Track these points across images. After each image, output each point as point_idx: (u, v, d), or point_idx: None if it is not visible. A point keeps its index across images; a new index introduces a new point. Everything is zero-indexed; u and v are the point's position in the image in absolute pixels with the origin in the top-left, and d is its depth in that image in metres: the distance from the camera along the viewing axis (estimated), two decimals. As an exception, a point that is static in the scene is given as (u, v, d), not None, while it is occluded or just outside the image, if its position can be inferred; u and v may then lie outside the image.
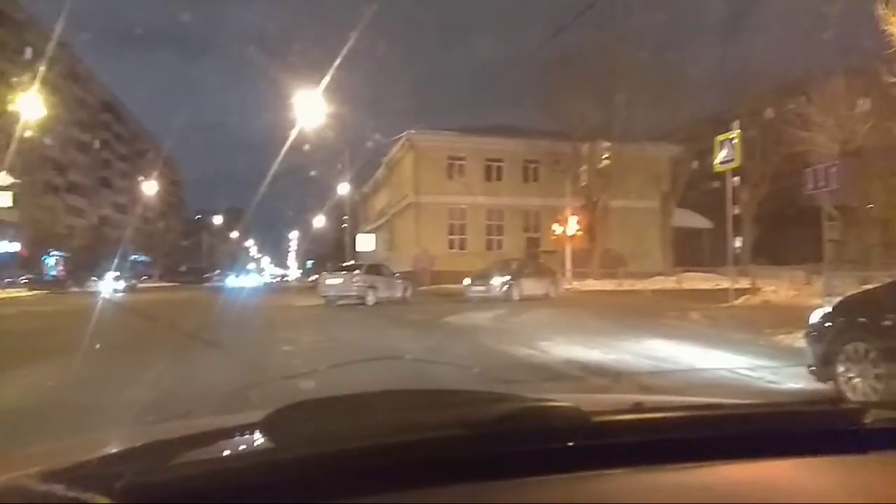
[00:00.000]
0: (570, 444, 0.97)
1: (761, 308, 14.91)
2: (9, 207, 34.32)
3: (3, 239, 46.56)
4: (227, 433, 1.15)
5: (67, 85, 60.32)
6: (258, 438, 1.00)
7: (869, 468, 1.03)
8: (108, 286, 34.34)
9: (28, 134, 35.52)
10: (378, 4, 24.40)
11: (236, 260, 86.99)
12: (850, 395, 4.90)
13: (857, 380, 5.03)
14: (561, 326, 11.80)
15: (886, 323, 5.02)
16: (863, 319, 5.25)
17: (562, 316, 14.56)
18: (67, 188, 64.91)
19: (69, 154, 64.88)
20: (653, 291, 23.34)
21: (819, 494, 0.94)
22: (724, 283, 18.49)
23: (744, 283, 19.11)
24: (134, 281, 43.20)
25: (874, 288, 6.15)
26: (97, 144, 74.26)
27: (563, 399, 1.21)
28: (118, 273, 42.04)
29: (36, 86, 32.60)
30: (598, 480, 0.93)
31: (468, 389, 1.49)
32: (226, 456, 1.04)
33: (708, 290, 18.73)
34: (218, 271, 72.80)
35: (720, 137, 16.40)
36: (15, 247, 48.50)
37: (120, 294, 33.59)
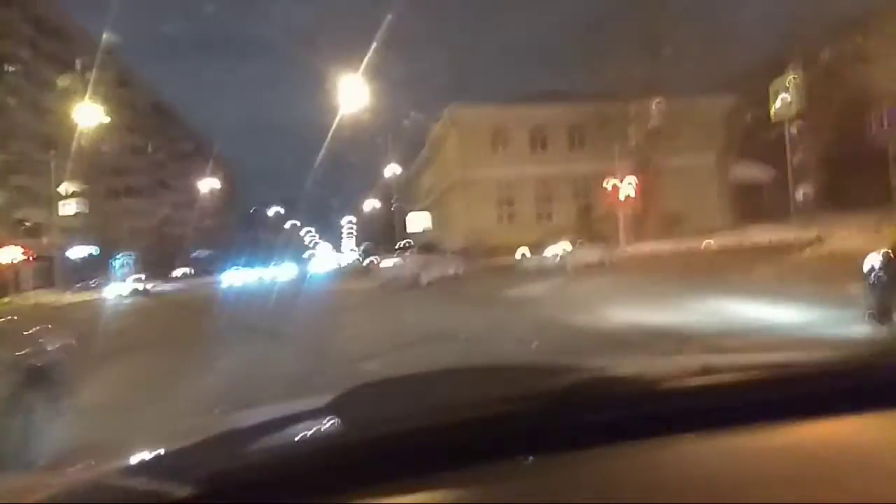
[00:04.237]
0: (637, 411, 0.94)
1: (829, 258, 14.31)
2: (74, 215, 35.86)
3: (73, 244, 48.82)
4: (296, 419, 1.17)
5: (118, 92, 62.28)
6: (326, 422, 1.01)
7: None
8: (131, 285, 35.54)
9: (85, 142, 37.01)
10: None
11: (297, 248, 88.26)
12: None
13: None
14: (620, 292, 11.63)
15: None
16: None
17: (620, 282, 14.35)
18: (127, 192, 67.40)
19: (126, 159, 67.25)
20: (714, 250, 22.71)
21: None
22: (790, 236, 17.78)
23: (810, 234, 18.37)
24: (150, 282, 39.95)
25: None
26: (150, 148, 76.65)
27: (627, 366, 1.18)
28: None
29: (89, 94, 33.87)
30: (667, 446, 0.90)
31: (530, 363, 1.48)
32: (296, 441, 1.06)
33: (773, 244, 18.06)
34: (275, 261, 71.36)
35: (776, 83, 15.65)
36: (91, 250, 50.72)
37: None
